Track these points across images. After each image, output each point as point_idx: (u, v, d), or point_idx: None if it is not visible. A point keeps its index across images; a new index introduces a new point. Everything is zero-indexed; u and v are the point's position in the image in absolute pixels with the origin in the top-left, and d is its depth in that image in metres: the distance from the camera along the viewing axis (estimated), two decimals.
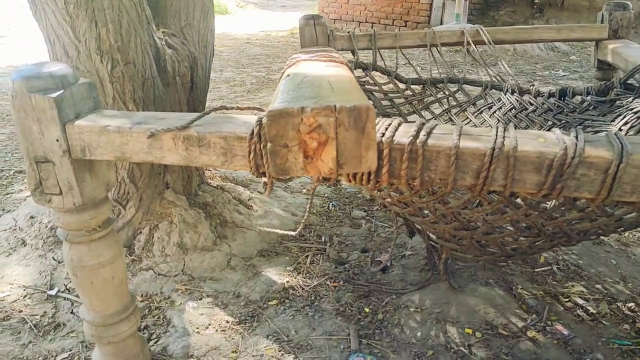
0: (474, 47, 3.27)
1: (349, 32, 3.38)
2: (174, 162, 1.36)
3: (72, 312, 2.14)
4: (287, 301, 2.22)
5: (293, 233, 1.87)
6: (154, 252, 2.43)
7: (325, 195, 3.25)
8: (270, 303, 2.21)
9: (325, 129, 0.83)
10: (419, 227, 2.11)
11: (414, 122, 1.15)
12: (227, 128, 1.30)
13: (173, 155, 1.34)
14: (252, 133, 1.26)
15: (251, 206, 2.88)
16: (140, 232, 2.47)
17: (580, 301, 2.16)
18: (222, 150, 1.31)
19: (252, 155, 1.27)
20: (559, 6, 11.08)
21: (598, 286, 2.27)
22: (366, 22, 11.02)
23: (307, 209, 1.84)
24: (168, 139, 1.33)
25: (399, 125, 1.14)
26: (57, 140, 1.38)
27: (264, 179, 1.43)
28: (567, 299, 2.18)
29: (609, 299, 2.17)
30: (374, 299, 2.22)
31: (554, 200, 1.52)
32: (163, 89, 2.41)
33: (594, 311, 2.09)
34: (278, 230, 2.33)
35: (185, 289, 2.28)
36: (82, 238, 1.55)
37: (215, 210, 2.68)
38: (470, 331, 2.00)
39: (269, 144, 0.84)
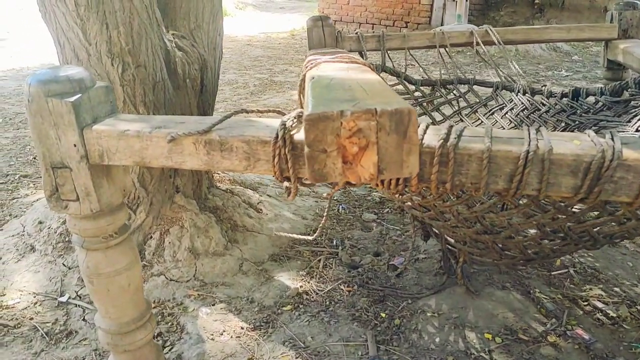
0: (483, 47, 3.24)
1: (356, 33, 3.35)
2: (195, 167, 1.33)
3: (84, 320, 2.10)
4: (301, 306, 2.19)
5: (310, 238, 1.84)
6: (165, 257, 2.40)
7: (335, 198, 3.22)
8: (284, 308, 2.17)
9: (366, 134, 0.80)
10: (437, 231, 2.08)
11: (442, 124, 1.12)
12: (250, 132, 1.27)
13: (194, 160, 1.31)
14: (277, 137, 1.23)
15: (261, 210, 2.85)
16: (151, 237, 2.43)
17: (600, 304, 2.13)
18: (245, 154, 1.28)
19: (276, 160, 1.25)
20: (559, 6, 11.08)
21: (616, 289, 2.24)
22: (367, 23, 11.00)
23: (325, 214, 1.81)
24: (189, 144, 1.30)
25: (427, 127, 1.11)
26: (75, 146, 1.35)
27: (286, 184, 1.40)
28: (585, 303, 2.15)
29: (629, 302, 2.14)
30: (389, 304, 2.19)
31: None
32: (173, 92, 2.38)
33: (614, 315, 2.06)
34: (295, 235, 2.29)
35: (198, 294, 2.25)
36: (98, 245, 1.51)
37: (226, 214, 2.65)
38: (489, 336, 1.97)
39: (306, 149, 0.81)
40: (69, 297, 2.23)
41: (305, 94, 1.24)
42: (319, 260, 2.51)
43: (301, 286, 2.31)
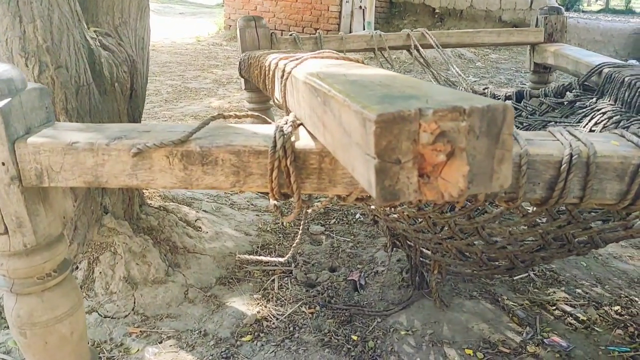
0: (422, 50, 3.19)
1: (291, 35, 3.17)
2: (167, 186, 1.07)
3: None
4: (262, 335, 1.95)
5: (282, 259, 1.62)
6: (96, 290, 2.05)
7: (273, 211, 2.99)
8: (244, 339, 1.93)
9: (452, 138, 0.62)
10: (410, 243, 1.94)
11: None
12: (239, 141, 1.05)
13: (166, 177, 1.06)
14: (274, 146, 1.02)
15: (200, 227, 2.57)
16: (77, 268, 2.08)
17: (568, 308, 2.10)
18: (233, 168, 1.05)
19: (274, 174, 1.03)
20: (458, 16, 11.61)
21: (578, 290, 2.23)
22: (275, 29, 10.84)
23: (300, 231, 1.60)
24: (160, 157, 1.04)
25: None
26: (4, 164, 1.05)
27: (274, 202, 1.19)
28: (554, 307, 2.11)
29: (595, 303, 2.13)
30: (358, 324, 2.02)
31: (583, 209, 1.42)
32: (100, 98, 2.05)
33: (584, 318, 2.04)
34: (264, 258, 2.05)
35: (141, 331, 1.94)
36: (33, 287, 1.20)
37: (163, 235, 2.34)
38: (470, 352, 1.86)
39: (376, 161, 0.62)
40: None
41: (303, 96, 1.04)
42: (273, 281, 2.28)
43: (259, 312, 2.07)
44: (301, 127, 1.12)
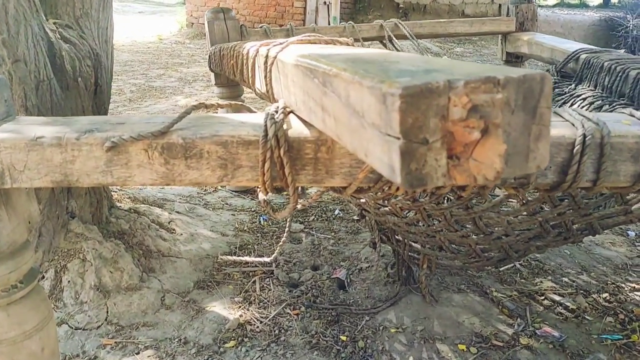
0: (395, 41, 3.14)
1: (262, 27, 3.07)
2: (147, 182, 0.97)
3: None
4: (246, 340, 1.85)
5: (267, 259, 1.53)
6: (65, 300, 1.92)
7: (253, 210, 2.89)
8: (227, 345, 1.82)
9: (485, 113, 0.54)
10: (398, 238, 1.87)
11: None
12: (226, 130, 0.95)
13: (145, 173, 0.96)
14: (266, 135, 0.92)
15: (174, 229, 2.44)
16: (44, 277, 1.94)
17: (557, 297, 2.07)
18: (220, 161, 0.95)
19: (266, 166, 0.94)
20: (422, 10, 11.66)
21: (565, 279, 2.20)
22: None
23: (285, 234, 1.51)
24: (138, 151, 0.94)
25: None
26: None
27: (262, 197, 1.09)
28: (542, 297, 2.08)
29: (582, 292, 2.11)
30: (346, 323, 1.94)
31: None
32: (62, 94, 1.91)
33: (574, 307, 2.01)
34: (248, 258, 1.94)
35: (115, 342, 1.81)
36: None
37: (135, 238, 2.21)
38: (463, 347, 1.80)
39: (401, 142, 0.54)
40: None
41: (293, 80, 0.95)
42: (254, 282, 2.18)
43: (241, 315, 1.97)
44: (291, 114, 1.03)
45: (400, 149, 0.55)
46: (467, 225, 1.43)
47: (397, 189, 0.94)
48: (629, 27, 9.58)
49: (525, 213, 1.28)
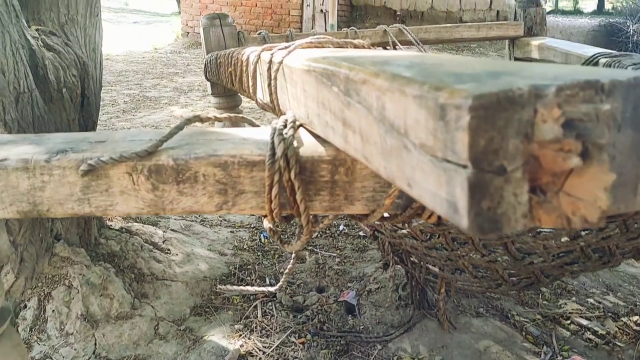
0: (400, 47, 3.00)
1: (260, 33, 2.93)
2: (131, 212, 0.81)
3: None
4: None
5: (272, 289, 1.37)
6: (48, 332, 1.75)
7: (252, 226, 2.74)
8: None
9: (584, 130, 0.40)
10: (414, 260, 1.71)
11: None
12: (225, 149, 0.79)
13: (130, 201, 0.80)
14: (273, 154, 0.77)
15: (169, 249, 2.28)
16: (26, 307, 1.77)
17: (584, 322, 1.91)
18: (219, 186, 0.79)
19: (274, 191, 0.78)
20: (419, 18, 11.57)
21: (590, 300, 2.05)
22: None
23: (292, 260, 1.35)
24: (120, 175, 0.78)
25: None
26: None
27: (268, 225, 0.94)
28: (568, 321, 1.92)
29: (611, 314, 1.95)
30: (356, 353, 1.78)
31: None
32: (45, 107, 1.76)
33: (603, 332, 1.85)
34: (250, 288, 1.79)
35: None
36: None
37: (127, 261, 2.05)
38: None
39: (470, 170, 0.39)
40: None
41: (305, 89, 0.80)
42: (255, 307, 2.02)
43: (242, 345, 1.81)
44: (301, 129, 0.88)
45: (468, 181, 0.40)
46: (497, 250, 1.28)
47: (439, 217, 0.78)
48: (629, 32, 9.51)
49: (566, 238, 1.13)
